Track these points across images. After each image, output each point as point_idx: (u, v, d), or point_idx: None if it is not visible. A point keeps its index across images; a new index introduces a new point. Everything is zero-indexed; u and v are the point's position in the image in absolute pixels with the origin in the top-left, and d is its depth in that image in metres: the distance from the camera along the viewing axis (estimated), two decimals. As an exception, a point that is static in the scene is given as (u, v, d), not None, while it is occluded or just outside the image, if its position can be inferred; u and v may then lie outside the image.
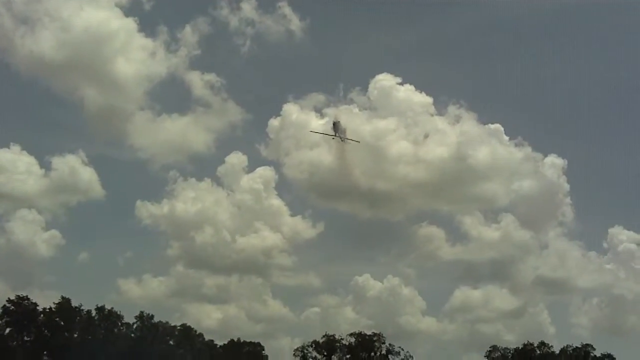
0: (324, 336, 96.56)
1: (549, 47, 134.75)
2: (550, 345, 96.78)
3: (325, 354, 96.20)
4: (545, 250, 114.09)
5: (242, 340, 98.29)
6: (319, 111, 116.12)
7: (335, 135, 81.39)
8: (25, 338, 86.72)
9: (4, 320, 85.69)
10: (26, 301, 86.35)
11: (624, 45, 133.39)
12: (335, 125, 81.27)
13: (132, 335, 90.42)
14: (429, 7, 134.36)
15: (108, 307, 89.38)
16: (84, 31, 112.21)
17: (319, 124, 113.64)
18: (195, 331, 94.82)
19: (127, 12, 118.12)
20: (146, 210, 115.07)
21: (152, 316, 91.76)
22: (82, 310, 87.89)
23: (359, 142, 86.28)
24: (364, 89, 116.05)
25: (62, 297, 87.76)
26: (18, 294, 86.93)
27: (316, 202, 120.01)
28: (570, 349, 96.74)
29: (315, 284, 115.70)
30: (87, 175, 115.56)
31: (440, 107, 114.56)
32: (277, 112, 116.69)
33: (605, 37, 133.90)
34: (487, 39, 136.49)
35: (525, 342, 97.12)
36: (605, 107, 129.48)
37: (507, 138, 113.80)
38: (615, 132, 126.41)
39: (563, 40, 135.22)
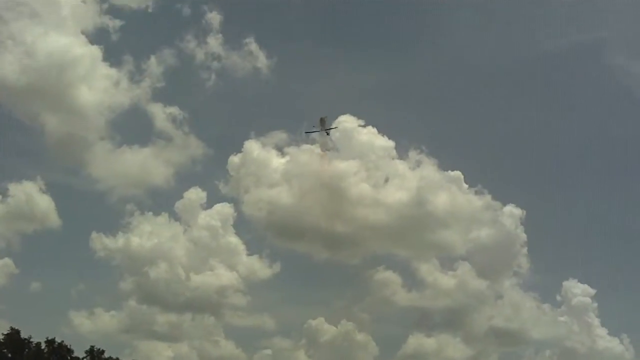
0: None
1: (511, 96, 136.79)
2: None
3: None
4: (500, 300, 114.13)
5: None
6: (281, 149, 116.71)
7: (322, 129, 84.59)
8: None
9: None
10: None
11: (584, 97, 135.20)
12: (322, 121, 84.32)
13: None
14: (395, 51, 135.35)
15: (58, 339, 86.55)
16: (47, 57, 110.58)
17: (279, 162, 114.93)
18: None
19: (93, 39, 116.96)
20: (101, 242, 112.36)
21: (103, 351, 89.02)
22: (32, 342, 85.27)
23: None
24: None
25: (12, 328, 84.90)
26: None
27: (274, 242, 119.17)
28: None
29: (269, 325, 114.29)
30: (44, 203, 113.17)
31: (401, 151, 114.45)
32: (238, 149, 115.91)
33: (567, 88, 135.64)
34: (450, 86, 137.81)
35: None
36: (565, 159, 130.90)
37: (466, 186, 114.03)
38: (574, 185, 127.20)
39: (526, 90, 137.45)
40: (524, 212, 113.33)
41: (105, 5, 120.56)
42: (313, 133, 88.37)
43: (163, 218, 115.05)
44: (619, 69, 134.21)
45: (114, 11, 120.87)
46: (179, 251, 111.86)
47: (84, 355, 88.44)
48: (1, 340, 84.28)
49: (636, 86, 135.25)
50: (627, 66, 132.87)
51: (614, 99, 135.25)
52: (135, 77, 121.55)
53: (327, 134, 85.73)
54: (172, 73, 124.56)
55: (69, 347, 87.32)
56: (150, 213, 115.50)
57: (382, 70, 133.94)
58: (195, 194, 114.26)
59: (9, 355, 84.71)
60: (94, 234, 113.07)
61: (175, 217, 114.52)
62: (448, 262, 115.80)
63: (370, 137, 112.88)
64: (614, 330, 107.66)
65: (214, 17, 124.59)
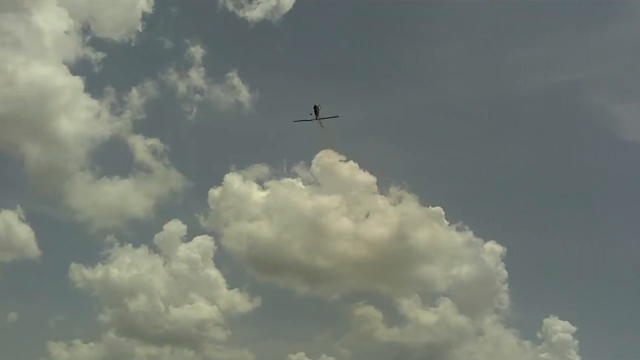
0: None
1: (493, 133, 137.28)
2: None
3: None
4: (481, 336, 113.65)
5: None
6: (261, 183, 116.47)
7: (315, 118, 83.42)
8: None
9: None
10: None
11: (566, 136, 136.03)
12: (316, 109, 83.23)
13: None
14: (377, 86, 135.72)
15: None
16: (28, 86, 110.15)
17: (260, 195, 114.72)
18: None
19: (75, 70, 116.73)
20: (80, 273, 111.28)
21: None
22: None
23: (338, 116, 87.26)
24: (308, 163, 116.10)
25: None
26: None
27: (254, 275, 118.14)
28: None
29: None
30: (24, 233, 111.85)
31: (382, 187, 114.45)
32: (218, 182, 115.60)
33: (549, 127, 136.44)
34: (432, 122, 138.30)
35: None
36: (546, 197, 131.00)
37: (447, 222, 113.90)
38: (555, 223, 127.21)
39: (508, 128, 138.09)
40: (505, 249, 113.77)
41: (88, 37, 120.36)
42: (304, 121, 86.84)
43: (143, 250, 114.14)
44: (600, 109, 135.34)
45: (96, 43, 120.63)
46: (159, 283, 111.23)
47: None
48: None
49: (617, 127, 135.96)
50: (607, 107, 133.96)
51: (594, 139, 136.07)
52: (117, 108, 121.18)
53: (321, 125, 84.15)
54: (153, 105, 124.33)
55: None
56: (130, 245, 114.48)
57: (363, 105, 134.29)
58: (176, 227, 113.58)
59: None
60: (73, 265, 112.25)
61: (155, 249, 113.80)
62: (429, 298, 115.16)
63: (352, 172, 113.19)
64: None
65: (197, 51, 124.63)
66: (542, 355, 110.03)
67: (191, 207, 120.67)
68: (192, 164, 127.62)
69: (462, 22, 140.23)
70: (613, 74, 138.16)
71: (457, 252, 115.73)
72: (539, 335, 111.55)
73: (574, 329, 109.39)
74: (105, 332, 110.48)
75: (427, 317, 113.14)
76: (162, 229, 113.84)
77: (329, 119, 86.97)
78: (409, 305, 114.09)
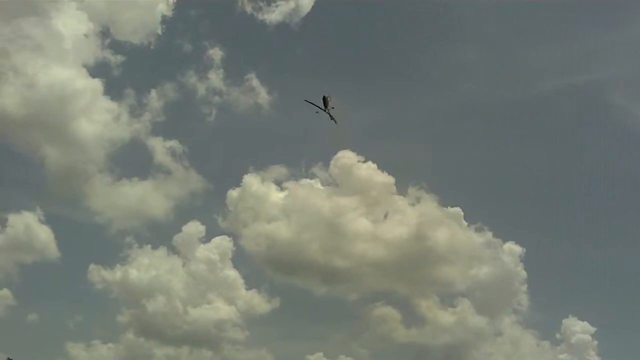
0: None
1: (513, 134, 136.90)
2: None
3: None
4: (500, 337, 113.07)
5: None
6: (280, 184, 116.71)
7: (324, 110, 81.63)
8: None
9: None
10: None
11: (586, 137, 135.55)
12: (325, 100, 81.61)
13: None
14: (396, 87, 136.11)
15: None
16: (48, 89, 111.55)
17: (278, 196, 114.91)
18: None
19: (94, 73, 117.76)
20: (99, 274, 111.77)
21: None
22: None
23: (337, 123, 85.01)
24: (326, 164, 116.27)
25: (8, 359, 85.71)
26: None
27: (272, 276, 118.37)
28: None
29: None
30: (44, 234, 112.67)
31: (401, 187, 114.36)
32: (237, 183, 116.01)
33: (568, 127, 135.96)
34: (451, 122, 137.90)
35: None
36: (565, 197, 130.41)
37: (466, 222, 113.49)
38: (574, 223, 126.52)
39: (527, 128, 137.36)
40: (524, 249, 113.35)
41: (108, 40, 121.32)
42: (313, 105, 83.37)
43: (162, 251, 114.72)
44: (621, 110, 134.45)
45: (115, 46, 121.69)
46: (178, 284, 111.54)
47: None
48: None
49: (638, 127, 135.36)
50: (628, 107, 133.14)
51: (615, 139, 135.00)
52: (136, 110, 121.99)
53: (331, 117, 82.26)
54: (172, 107, 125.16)
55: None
56: (149, 246, 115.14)
57: (382, 106, 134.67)
58: (194, 228, 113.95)
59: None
60: (92, 266, 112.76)
61: (173, 250, 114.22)
62: (448, 298, 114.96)
63: (370, 172, 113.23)
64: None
65: (216, 53, 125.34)
66: (561, 356, 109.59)
67: (210, 208, 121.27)
68: (210, 166, 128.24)
69: (481, 23, 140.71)
70: (634, 74, 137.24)
71: (476, 253, 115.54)
72: (558, 335, 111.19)
73: (593, 329, 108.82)
74: (124, 332, 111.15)
75: (446, 317, 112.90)
76: (181, 230, 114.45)
77: (340, 111, 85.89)
78: (427, 306, 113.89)
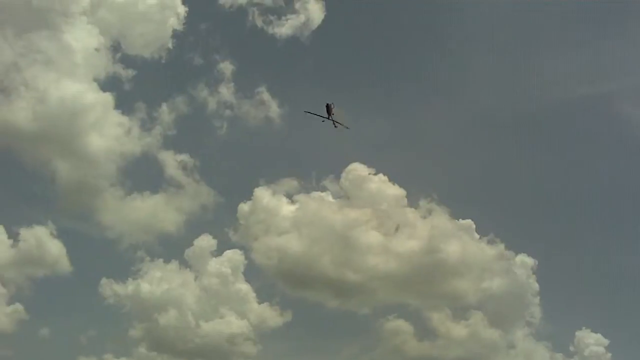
0: None
1: (523, 145, 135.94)
2: None
3: None
4: (513, 350, 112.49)
5: None
6: (291, 197, 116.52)
7: (328, 118, 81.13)
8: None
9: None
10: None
11: (595, 147, 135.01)
12: (328, 107, 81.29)
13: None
14: (406, 99, 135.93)
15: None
16: (59, 103, 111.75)
17: (289, 209, 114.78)
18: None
19: (105, 87, 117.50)
20: (111, 288, 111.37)
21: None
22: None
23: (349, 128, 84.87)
24: (337, 177, 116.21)
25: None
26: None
27: (284, 290, 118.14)
28: None
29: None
30: (55, 249, 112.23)
31: (412, 200, 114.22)
32: (248, 196, 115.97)
33: (578, 138, 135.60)
34: (462, 134, 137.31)
35: None
36: (577, 209, 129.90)
37: (478, 235, 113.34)
38: (586, 234, 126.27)
39: (537, 139, 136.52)
40: (536, 261, 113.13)
41: (118, 54, 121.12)
42: (316, 116, 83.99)
43: (173, 265, 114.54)
44: (632, 121, 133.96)
45: (126, 60, 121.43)
46: (189, 298, 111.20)
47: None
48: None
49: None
50: (635, 116, 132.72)
51: (628, 151, 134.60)
52: (147, 124, 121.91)
53: (335, 125, 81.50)
54: (183, 121, 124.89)
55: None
56: (161, 260, 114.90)
57: (393, 118, 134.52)
58: (206, 241, 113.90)
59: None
60: (104, 280, 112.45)
61: (185, 264, 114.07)
62: (460, 311, 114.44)
63: (381, 185, 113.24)
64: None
65: (227, 67, 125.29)
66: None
67: (221, 221, 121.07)
68: (222, 179, 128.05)
69: (493, 33, 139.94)
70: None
71: (488, 265, 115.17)
72: (571, 348, 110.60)
73: (606, 341, 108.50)
74: (136, 347, 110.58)
75: (458, 330, 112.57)
76: (192, 244, 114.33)
77: (344, 121, 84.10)
78: (439, 319, 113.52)
